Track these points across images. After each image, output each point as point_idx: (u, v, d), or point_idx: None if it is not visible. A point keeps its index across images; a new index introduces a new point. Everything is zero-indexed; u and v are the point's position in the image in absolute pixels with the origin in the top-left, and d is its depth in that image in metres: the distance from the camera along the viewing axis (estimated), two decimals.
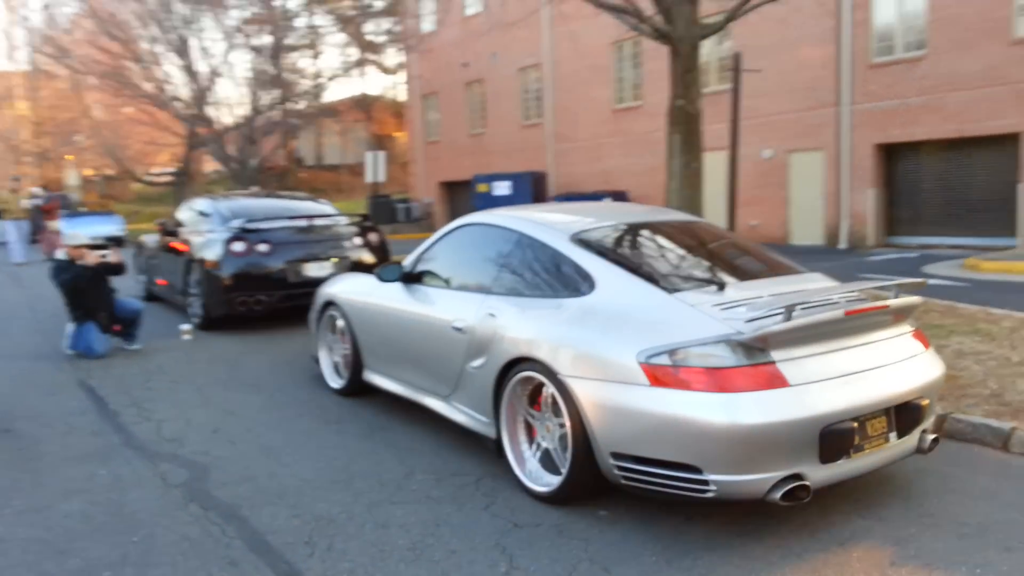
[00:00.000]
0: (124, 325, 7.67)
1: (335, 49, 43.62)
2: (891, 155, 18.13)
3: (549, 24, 25.70)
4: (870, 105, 17.93)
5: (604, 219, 4.45)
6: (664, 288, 3.61)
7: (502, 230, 4.48)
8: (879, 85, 17.78)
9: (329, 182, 48.71)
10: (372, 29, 45.90)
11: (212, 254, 8.30)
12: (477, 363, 4.14)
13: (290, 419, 5.26)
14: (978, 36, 16.00)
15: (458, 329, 4.30)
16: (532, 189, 24.27)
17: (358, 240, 8.78)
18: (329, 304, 5.89)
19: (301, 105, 33.07)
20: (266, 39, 24.22)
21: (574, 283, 3.85)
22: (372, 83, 63.52)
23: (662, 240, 4.35)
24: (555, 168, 26.07)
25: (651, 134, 22.88)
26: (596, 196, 22.63)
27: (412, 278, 5.00)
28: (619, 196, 22.76)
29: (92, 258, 7.32)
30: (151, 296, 10.81)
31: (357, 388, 5.63)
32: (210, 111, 23.47)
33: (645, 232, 4.39)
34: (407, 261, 5.13)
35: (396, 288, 5.07)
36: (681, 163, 10.91)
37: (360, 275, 5.90)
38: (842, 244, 18.51)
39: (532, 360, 3.73)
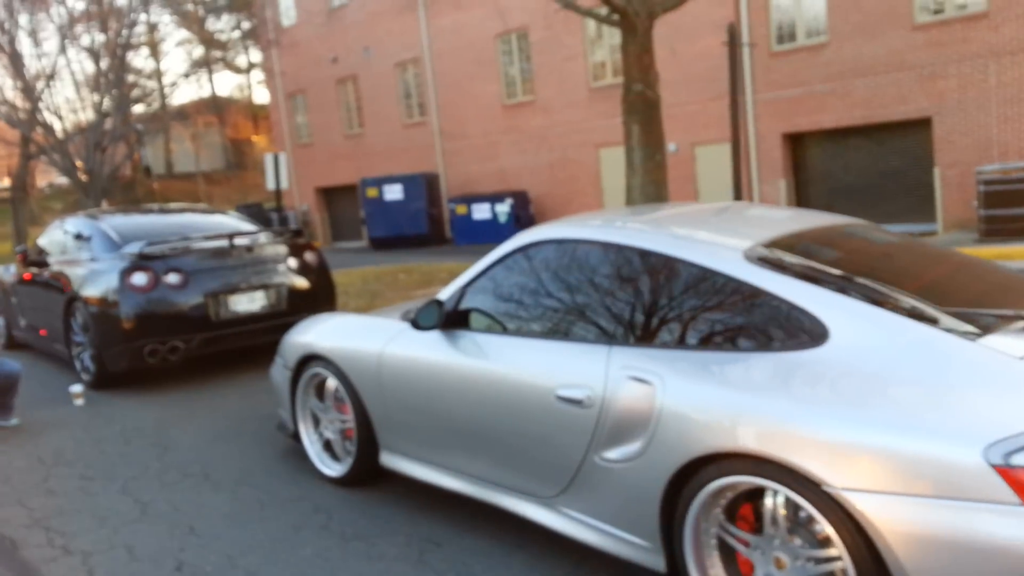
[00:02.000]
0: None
1: (180, 48, 40.09)
2: (799, 144, 17.92)
3: (425, 16, 24.25)
4: (773, 94, 17.63)
5: (761, 227, 3.18)
6: (958, 332, 2.38)
7: (617, 249, 3.12)
8: (782, 74, 17.51)
9: (183, 192, 45.11)
10: (218, 26, 42.61)
11: (102, 290, 6.43)
12: (619, 454, 2.78)
13: (285, 536, 3.67)
14: (880, 21, 15.93)
15: (570, 400, 2.92)
16: (426, 191, 22.73)
17: (292, 261, 7.10)
18: (310, 359, 4.32)
19: (146, 108, 29.99)
20: (99, 37, 21.43)
21: (784, 327, 2.56)
22: (223, 84, 59.64)
23: (866, 256, 3.11)
24: (446, 169, 24.64)
25: (547, 130, 21.94)
26: (496, 197, 21.44)
27: (455, 320, 3.57)
28: (519, 196, 21.65)
29: None
30: (11, 343, 8.66)
31: (367, 474, 4.11)
32: (47, 116, 20.43)
33: (835, 245, 3.12)
34: (443, 295, 3.69)
35: (434, 335, 3.61)
36: (642, 155, 9.82)
37: (350, 315, 4.36)
38: None
39: (753, 459, 2.41)
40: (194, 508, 4.07)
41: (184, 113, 35.58)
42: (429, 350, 3.60)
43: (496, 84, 22.99)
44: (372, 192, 23.13)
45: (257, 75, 52.49)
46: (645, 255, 3.03)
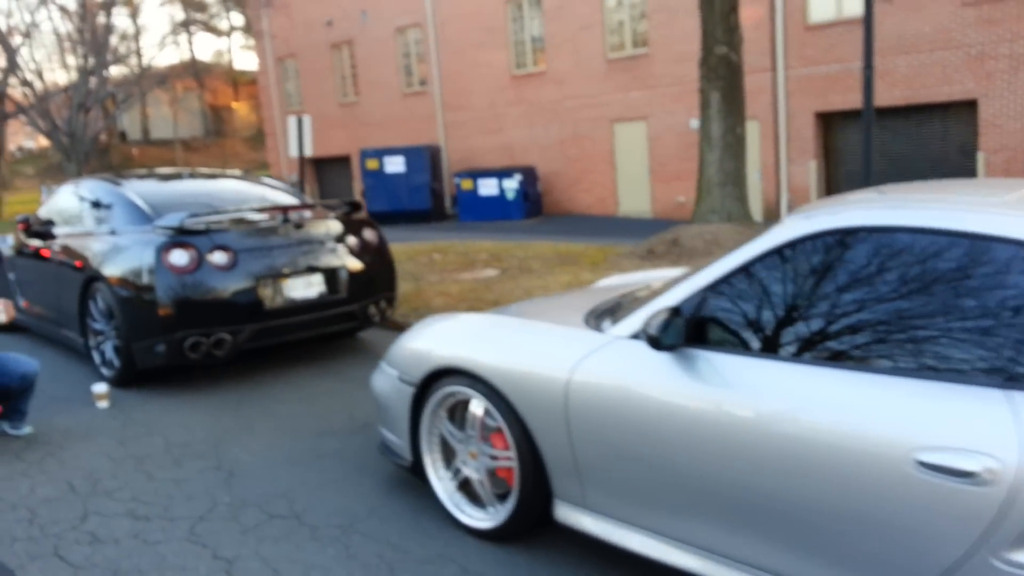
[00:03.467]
0: (4, 397, 4.66)
1: (161, 10, 38.32)
2: (833, 124, 17.07)
3: None
4: (808, 70, 16.74)
5: None
6: None
7: (1005, 244, 2.16)
8: (817, 49, 16.61)
9: (160, 159, 43.49)
10: None
11: (133, 270, 5.36)
12: None
13: None
14: None
15: (949, 471, 1.98)
16: (429, 164, 21.60)
17: (351, 240, 6.07)
18: (446, 373, 3.34)
19: (128, 71, 28.46)
20: None
21: None
22: (203, 48, 57.54)
23: None
24: (448, 141, 23.51)
25: (558, 103, 20.89)
26: (504, 172, 20.39)
27: (695, 335, 2.62)
28: (527, 172, 20.61)
29: None
30: (7, 325, 7.53)
31: (527, 527, 3.15)
32: (27, 73, 18.97)
33: None
34: (673, 300, 2.73)
35: (661, 357, 2.65)
36: (723, 128, 8.85)
37: (494, 316, 3.38)
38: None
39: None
40: (299, 570, 3.08)
41: (162, 78, 33.89)
42: (660, 377, 2.62)
43: (504, 53, 21.86)
44: (372, 164, 21.93)
45: (239, 39, 50.65)
46: None
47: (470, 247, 10.80)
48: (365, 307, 6.05)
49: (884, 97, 15.85)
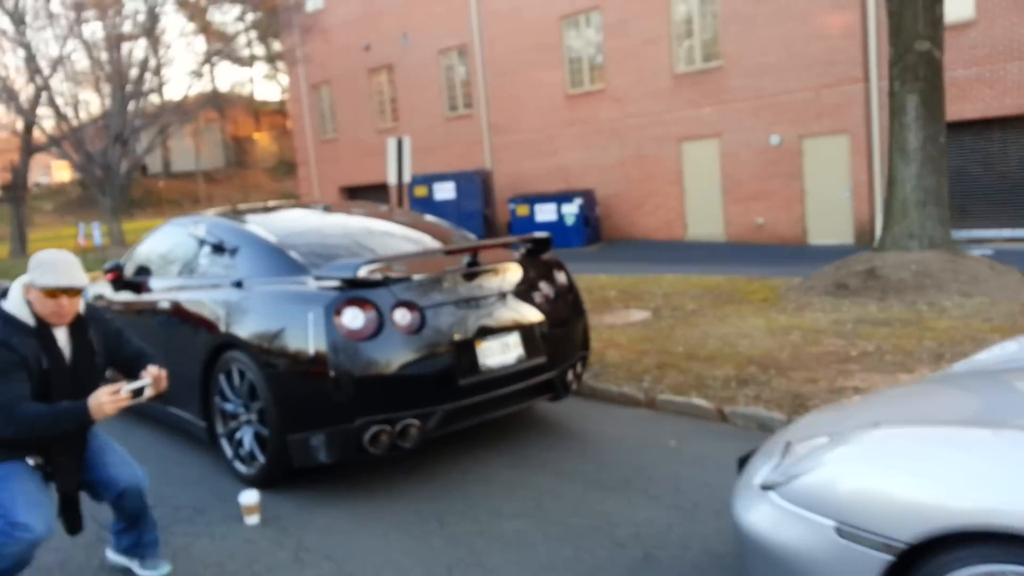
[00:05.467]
0: (124, 519, 3.33)
1: (183, 40, 37.52)
2: None
3: None
4: None
5: None
6: None
7: None
8: None
9: (183, 192, 42.51)
10: (220, 17, 40.36)
11: (292, 335, 4.04)
12: None
13: None
14: None
15: None
16: (482, 190, 20.38)
17: (544, 286, 4.75)
18: (965, 540, 1.98)
19: (148, 103, 27.44)
20: (98, 27, 19.04)
21: None
22: (223, 78, 56.89)
23: None
24: (496, 165, 22.28)
25: (619, 122, 19.66)
26: (563, 197, 19.14)
27: None
28: (586, 195, 19.35)
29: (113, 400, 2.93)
30: None
31: None
32: (59, 103, 17.84)
33: None
34: None
35: None
36: (922, 137, 7.53)
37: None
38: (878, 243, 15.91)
39: None
40: None
41: (184, 109, 32.96)
42: None
43: (559, 71, 20.67)
44: (421, 191, 20.71)
45: (261, 69, 49.89)
46: None
47: (586, 282, 9.47)
48: (564, 372, 4.72)
49: (993, 106, 14.57)
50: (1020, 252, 12.99)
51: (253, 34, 43.09)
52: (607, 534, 3.53)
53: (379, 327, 3.99)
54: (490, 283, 4.46)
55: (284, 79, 50.38)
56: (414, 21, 23.77)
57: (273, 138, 49.73)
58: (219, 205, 41.65)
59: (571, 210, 19.07)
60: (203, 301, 4.67)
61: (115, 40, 20.67)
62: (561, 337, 4.70)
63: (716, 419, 4.88)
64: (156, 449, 5.16)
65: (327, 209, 5.39)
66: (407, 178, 10.88)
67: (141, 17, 22.40)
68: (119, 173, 17.89)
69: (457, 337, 4.18)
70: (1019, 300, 6.69)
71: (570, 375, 4.78)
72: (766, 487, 2.46)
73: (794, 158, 17.03)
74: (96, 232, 17.86)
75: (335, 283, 4.07)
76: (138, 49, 24.59)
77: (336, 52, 26.06)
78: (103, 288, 5.82)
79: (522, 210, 19.64)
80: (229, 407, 4.49)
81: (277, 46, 47.71)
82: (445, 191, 20.53)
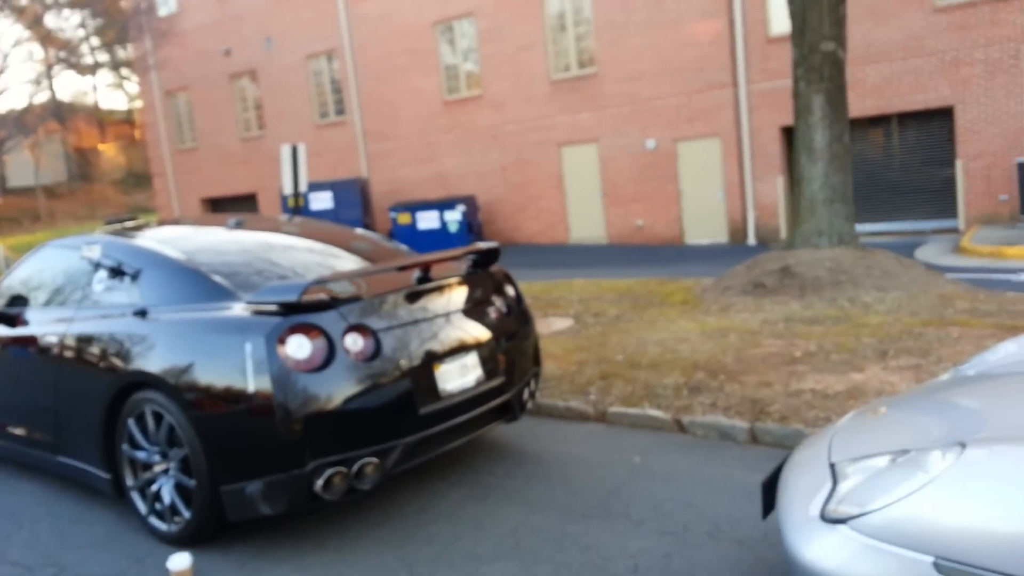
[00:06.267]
0: None
1: (20, 48, 34.66)
2: None
3: (344, 1, 21.22)
4: (771, 84, 16.11)
5: None
6: None
7: None
8: (781, 61, 15.98)
9: (20, 209, 39.17)
10: (58, 22, 37.70)
11: (225, 369, 3.52)
12: None
13: None
14: (896, 4, 14.74)
15: None
16: (360, 198, 19.70)
17: (496, 300, 4.41)
18: None
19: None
20: None
21: None
22: (65, 88, 52.88)
23: None
24: (372, 173, 21.64)
25: (498, 128, 19.55)
26: (445, 204, 18.79)
27: None
28: (468, 202, 19.09)
29: None
30: None
31: None
32: None
33: None
34: None
35: None
36: (829, 136, 7.67)
37: None
38: (751, 240, 16.55)
39: None
40: None
41: (24, 121, 30.38)
42: None
43: (434, 77, 20.32)
44: (295, 203, 19.76)
45: (105, 77, 46.76)
46: None
47: (547, 286, 9.15)
48: (520, 391, 4.39)
49: (855, 108, 15.34)
50: (886, 244, 13.75)
51: (96, 41, 40.31)
52: (603, 570, 3.23)
53: (329, 356, 3.53)
54: (442, 300, 4.07)
55: (132, 87, 47.32)
56: (278, 25, 22.77)
57: (120, 149, 46.68)
58: (62, 222, 38.58)
59: (454, 217, 18.74)
60: (102, 334, 4.03)
61: None
62: (516, 354, 4.37)
63: (673, 430, 4.69)
64: (47, 506, 4.43)
65: (238, 224, 4.82)
66: (303, 187, 10.20)
67: None
68: None
69: (414, 362, 3.77)
70: (933, 292, 6.95)
71: (526, 393, 4.46)
72: (832, 520, 2.23)
73: (669, 161, 17.42)
74: None
75: (271, 308, 3.58)
76: None
77: (193, 57, 24.60)
78: None
79: (404, 218, 19.13)
80: (141, 456, 3.88)
81: (123, 53, 44.76)
82: (322, 201, 19.73)
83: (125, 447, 3.93)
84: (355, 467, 3.55)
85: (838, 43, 7.81)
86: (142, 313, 3.95)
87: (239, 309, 3.68)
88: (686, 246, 17.19)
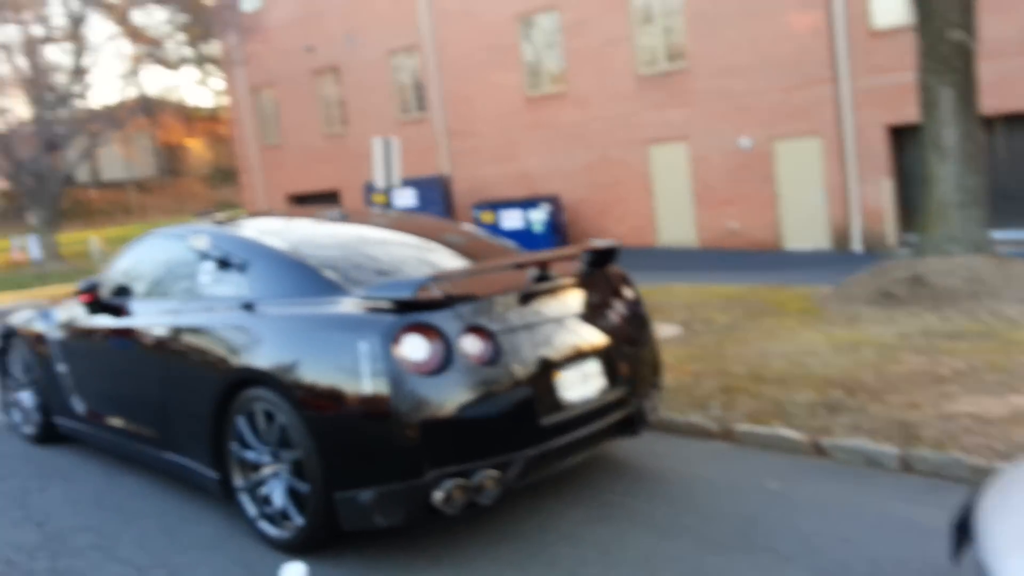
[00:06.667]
0: None
1: (110, 44, 35.96)
2: (908, 139, 15.59)
3: None
4: (876, 80, 15.28)
5: None
6: None
7: None
8: (886, 56, 15.17)
9: (114, 202, 40.59)
10: (145, 19, 38.78)
11: (338, 370, 3.27)
12: None
13: None
14: None
15: None
16: (443, 196, 19.60)
17: (615, 302, 4.07)
18: None
19: (88, 107, 26.00)
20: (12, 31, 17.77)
21: None
22: (152, 83, 54.61)
23: None
24: (454, 170, 21.51)
25: (583, 126, 19.14)
26: (529, 203, 18.51)
27: None
28: (553, 201, 18.76)
29: None
30: (48, 435, 5.30)
31: None
32: None
33: None
34: None
35: None
36: (959, 133, 7.10)
37: None
38: (856, 246, 15.73)
39: None
40: None
41: (115, 115, 31.29)
42: None
43: (516, 73, 20.04)
44: (380, 198, 19.76)
45: (192, 73, 48.12)
46: None
47: (691, 291, 8.80)
48: (642, 404, 4.03)
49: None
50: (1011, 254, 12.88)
51: (181, 37, 41.48)
52: None
53: (447, 358, 3.24)
54: (561, 302, 3.74)
55: (216, 83, 48.52)
56: (359, 21, 22.85)
57: (206, 145, 47.98)
58: (153, 215, 39.78)
59: (539, 216, 18.45)
60: (211, 327, 3.83)
61: (34, 44, 19.27)
62: (638, 362, 4.02)
63: (810, 453, 4.26)
64: (152, 502, 4.27)
65: (343, 217, 4.60)
66: (396, 181, 10.04)
67: (62, 20, 21.00)
68: (51, 182, 16.52)
69: (534, 368, 3.46)
70: None
71: (648, 406, 4.10)
72: None
73: (765, 161, 16.73)
74: (34, 245, 16.42)
75: (384, 305, 3.32)
76: (62, 52, 23.13)
77: (276, 54, 24.92)
78: (73, 311, 4.91)
79: (487, 217, 18.93)
80: (251, 456, 3.67)
81: (208, 49, 45.84)
82: (405, 197, 19.70)
83: (234, 446, 3.73)
84: (477, 478, 3.25)
85: (968, 31, 7.21)
86: (250, 306, 3.74)
87: (350, 305, 3.43)
88: (784, 252, 16.46)
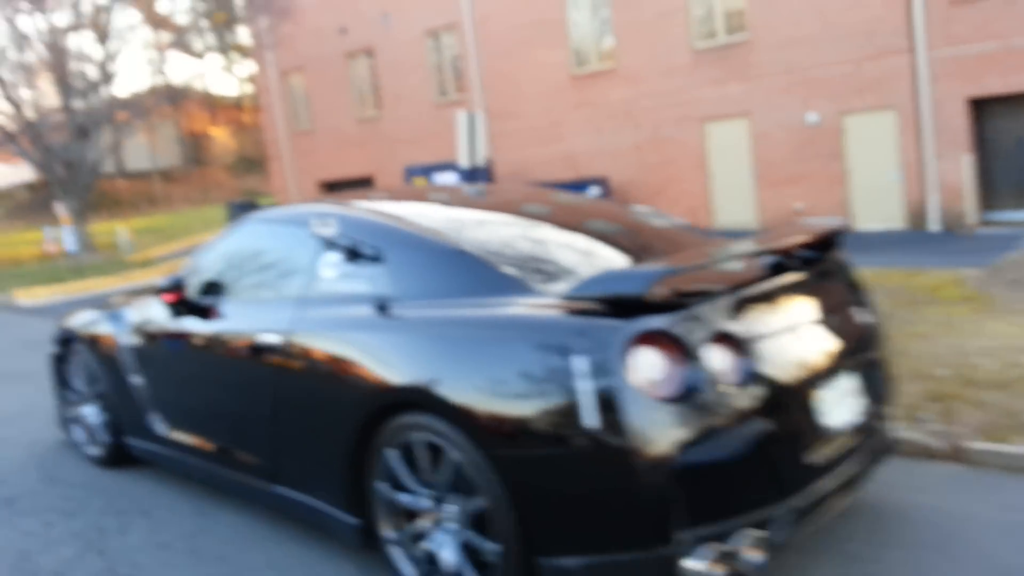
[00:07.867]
0: None
1: (133, 32, 35.15)
2: (989, 112, 14.55)
3: None
4: (956, 50, 14.25)
5: None
6: None
7: None
8: (967, 25, 14.13)
9: (139, 192, 40.07)
10: (172, 7, 38.16)
11: (547, 392, 2.43)
12: None
13: None
14: None
15: None
16: (487, 179, 18.72)
17: (853, 299, 3.20)
18: None
19: (113, 96, 25.25)
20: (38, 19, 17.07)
21: None
22: (176, 72, 54.01)
23: None
24: (496, 153, 20.64)
25: (632, 104, 18.21)
26: (578, 185, 17.64)
27: None
28: (602, 183, 17.88)
29: None
30: (118, 457, 4.52)
31: None
32: (12, 94, 15.72)
33: None
34: None
35: None
36: None
37: None
38: (933, 226, 14.74)
39: None
40: None
41: (141, 104, 30.57)
42: None
43: (562, 51, 19.11)
44: (420, 183, 19.00)
45: (216, 61, 47.49)
46: None
47: (900, 275, 7.94)
48: (886, 423, 3.17)
49: None
50: None
51: (205, 24, 40.74)
52: None
53: (693, 378, 2.40)
54: (801, 301, 2.89)
55: (241, 71, 47.75)
56: (394, 0, 21.97)
57: (231, 133, 47.39)
58: (178, 205, 39.18)
59: None
60: (345, 335, 3.01)
61: (57, 32, 18.56)
62: (885, 374, 3.17)
63: None
64: (263, 550, 3.45)
65: (481, 194, 3.75)
66: (480, 158, 9.21)
67: (86, 8, 20.30)
68: (83, 170, 15.80)
69: (793, 387, 2.61)
70: None
71: (891, 426, 3.24)
72: None
73: (834, 137, 15.74)
74: (69, 236, 15.76)
75: (597, 307, 2.47)
76: (85, 40, 22.40)
77: (308, 36, 24.10)
78: (150, 312, 4.11)
79: None
80: (406, 499, 2.85)
81: (232, 37, 45.14)
82: (446, 181, 18.84)
83: (382, 486, 2.91)
84: (732, 543, 2.41)
85: None
86: (400, 308, 2.91)
87: (542, 307, 2.59)
88: (856, 232, 15.49)
